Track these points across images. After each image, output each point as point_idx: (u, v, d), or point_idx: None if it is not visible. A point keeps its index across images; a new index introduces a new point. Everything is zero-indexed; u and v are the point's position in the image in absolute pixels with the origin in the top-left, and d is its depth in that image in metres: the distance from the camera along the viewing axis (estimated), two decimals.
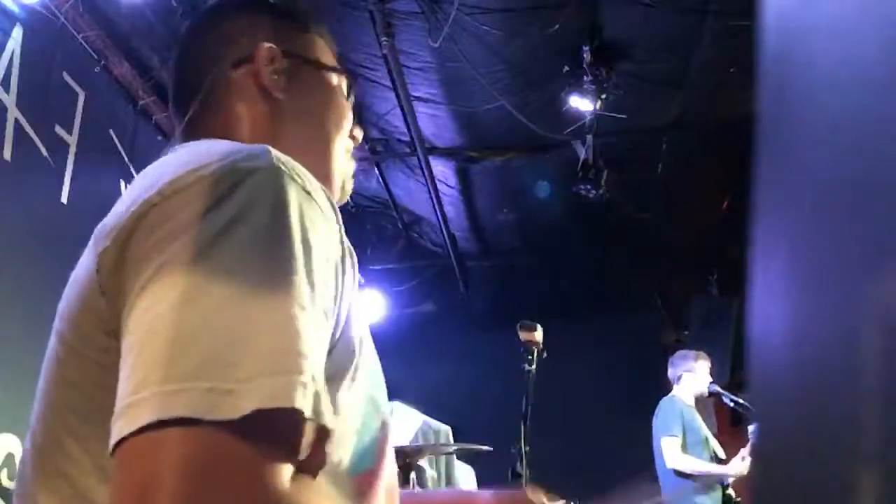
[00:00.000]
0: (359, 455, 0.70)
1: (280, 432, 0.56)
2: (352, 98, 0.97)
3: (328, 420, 0.59)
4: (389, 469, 0.77)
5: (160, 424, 0.52)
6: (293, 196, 0.63)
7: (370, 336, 0.75)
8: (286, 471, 0.56)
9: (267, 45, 0.89)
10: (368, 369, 0.72)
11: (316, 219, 0.64)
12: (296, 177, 0.65)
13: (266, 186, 0.63)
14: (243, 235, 0.59)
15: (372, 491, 0.72)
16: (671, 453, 4.08)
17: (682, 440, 4.11)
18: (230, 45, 0.90)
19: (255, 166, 0.64)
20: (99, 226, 0.70)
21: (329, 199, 0.69)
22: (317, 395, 0.57)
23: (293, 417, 0.56)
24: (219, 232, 0.59)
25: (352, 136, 0.96)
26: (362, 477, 0.71)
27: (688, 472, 4.07)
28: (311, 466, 0.60)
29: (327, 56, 0.96)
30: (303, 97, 0.89)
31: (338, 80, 0.95)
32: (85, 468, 0.67)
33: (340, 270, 0.67)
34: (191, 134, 0.87)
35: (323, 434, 0.60)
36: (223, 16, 0.94)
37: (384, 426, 0.75)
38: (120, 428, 0.54)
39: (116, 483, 0.54)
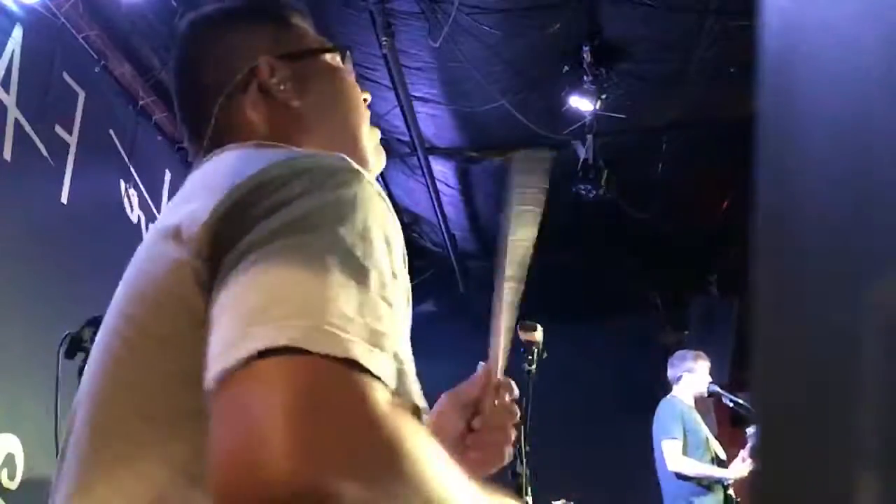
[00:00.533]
0: None
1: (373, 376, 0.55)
2: (349, 66, 0.98)
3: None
4: None
5: (265, 355, 0.52)
6: (375, 199, 0.67)
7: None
8: (388, 403, 0.55)
9: (264, 58, 0.89)
10: (410, 361, 0.74)
11: (390, 219, 0.68)
12: (371, 181, 0.69)
13: (350, 185, 0.66)
14: (335, 226, 0.61)
15: None
16: (672, 456, 4.08)
17: (682, 442, 4.11)
18: (229, 70, 0.89)
19: (333, 166, 0.68)
20: (165, 222, 0.70)
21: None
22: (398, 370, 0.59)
23: (388, 364, 0.57)
24: (310, 218, 0.61)
25: (365, 101, 0.98)
26: None
27: (689, 474, 4.07)
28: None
29: (314, 39, 0.97)
30: (315, 93, 0.91)
31: (332, 58, 0.96)
32: (154, 465, 0.65)
33: (404, 268, 0.70)
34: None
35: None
36: (211, 42, 0.93)
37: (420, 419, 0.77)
38: (224, 360, 0.54)
39: (225, 415, 0.52)
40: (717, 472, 4.09)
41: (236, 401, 0.52)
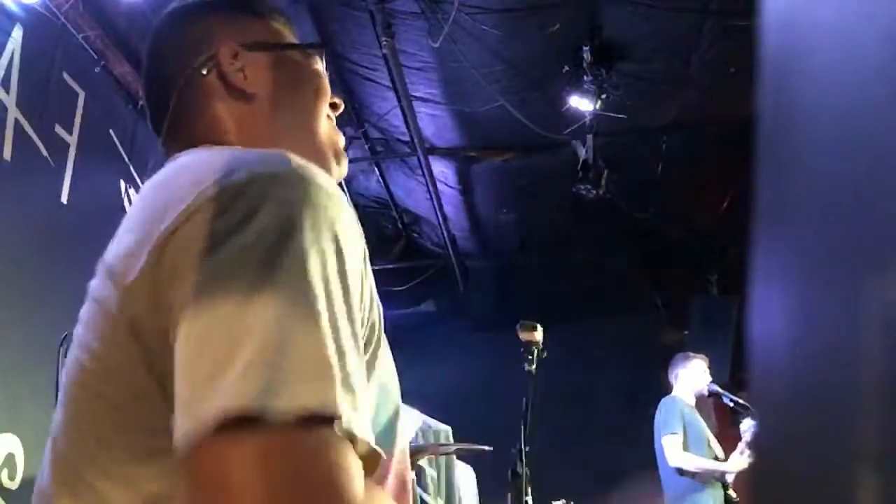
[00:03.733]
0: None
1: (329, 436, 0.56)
2: (320, 65, 0.95)
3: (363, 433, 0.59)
4: (402, 455, 0.79)
5: (225, 425, 0.53)
6: (322, 201, 0.64)
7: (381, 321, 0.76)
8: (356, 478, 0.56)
9: (226, 44, 0.88)
10: (383, 357, 0.74)
11: (343, 219, 0.65)
12: (317, 178, 0.66)
13: (293, 194, 0.63)
14: (281, 250, 0.60)
15: (384, 476, 0.74)
16: (673, 451, 4.08)
17: (683, 438, 4.11)
18: (192, 52, 0.88)
19: (274, 173, 0.65)
20: (110, 256, 0.70)
21: (340, 193, 0.69)
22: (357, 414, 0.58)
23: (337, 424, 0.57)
24: (257, 247, 0.60)
25: (333, 105, 0.95)
26: None
27: (690, 469, 4.07)
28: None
29: (286, 37, 0.94)
30: (274, 84, 0.88)
31: (303, 57, 0.93)
32: (111, 477, 0.66)
33: (365, 265, 0.68)
34: (174, 145, 0.87)
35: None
36: (179, 24, 0.93)
37: (397, 413, 0.77)
38: (188, 424, 0.55)
39: (197, 491, 0.55)
40: (716, 465, 4.09)
41: (208, 476, 0.54)
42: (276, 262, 0.59)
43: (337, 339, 0.58)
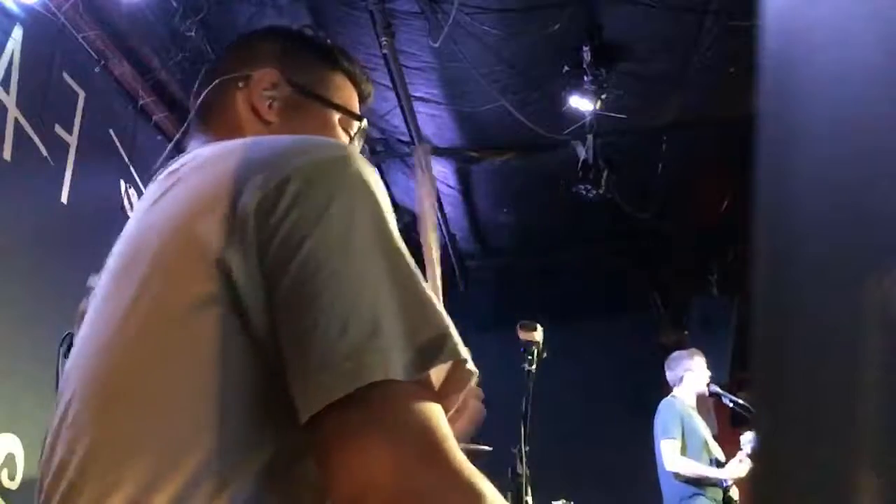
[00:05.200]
0: None
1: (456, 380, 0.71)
2: (357, 143, 1.00)
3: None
4: None
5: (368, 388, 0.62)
6: (369, 170, 0.73)
7: None
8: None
9: (269, 69, 0.93)
10: None
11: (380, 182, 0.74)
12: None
13: (359, 172, 0.71)
14: (368, 221, 0.69)
15: None
16: (670, 456, 4.08)
17: (681, 443, 4.11)
18: (244, 64, 0.94)
19: (346, 153, 0.73)
20: (169, 207, 0.73)
21: None
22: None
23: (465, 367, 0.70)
24: (348, 218, 0.68)
25: None
26: None
27: (686, 474, 4.07)
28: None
29: (343, 97, 0.99)
30: (296, 126, 0.92)
31: (341, 120, 0.97)
32: (149, 457, 0.65)
33: None
34: (208, 135, 0.92)
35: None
36: (254, 37, 1.00)
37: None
38: (327, 393, 0.62)
39: (343, 457, 0.62)
40: (714, 472, 4.09)
41: (348, 440, 0.62)
42: (381, 232, 0.69)
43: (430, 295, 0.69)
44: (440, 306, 0.69)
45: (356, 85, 1.01)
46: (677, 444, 4.09)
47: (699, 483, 4.07)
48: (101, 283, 0.78)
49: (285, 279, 0.65)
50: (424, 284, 0.69)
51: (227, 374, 0.66)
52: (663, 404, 4.29)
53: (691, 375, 4.31)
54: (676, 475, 4.08)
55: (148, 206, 0.78)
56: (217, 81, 0.94)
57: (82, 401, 0.71)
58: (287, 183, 0.68)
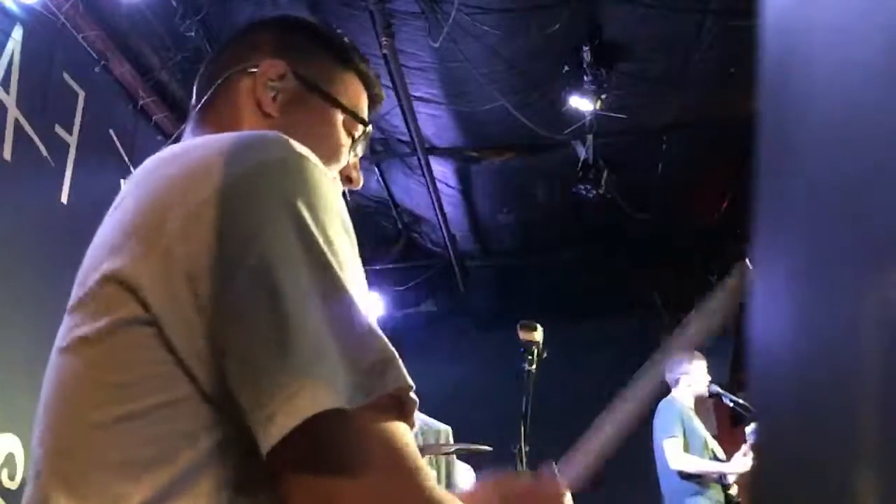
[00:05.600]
0: None
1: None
2: (359, 147, 0.96)
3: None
4: None
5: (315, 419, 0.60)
6: (324, 178, 0.70)
7: None
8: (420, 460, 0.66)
9: (278, 60, 0.90)
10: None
11: (336, 194, 0.71)
12: (312, 157, 0.71)
13: (302, 172, 0.69)
14: (312, 228, 0.66)
15: None
16: (673, 454, 4.08)
17: (683, 441, 4.11)
18: (252, 53, 0.91)
19: (282, 156, 0.70)
20: (111, 230, 0.71)
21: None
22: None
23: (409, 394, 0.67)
24: (288, 227, 0.65)
25: (348, 179, 0.96)
26: None
27: (691, 471, 4.07)
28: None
29: (351, 97, 0.95)
30: (297, 121, 0.89)
31: (345, 121, 0.93)
32: (111, 465, 0.66)
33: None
34: (200, 127, 0.90)
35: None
36: (262, 26, 0.96)
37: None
38: (279, 426, 0.60)
39: (296, 488, 0.62)
40: (719, 466, 4.09)
41: (303, 467, 0.62)
42: (310, 248, 0.65)
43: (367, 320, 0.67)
44: (378, 330, 0.67)
45: (368, 87, 0.97)
46: (679, 441, 4.08)
47: (701, 481, 4.07)
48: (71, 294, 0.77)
49: (215, 303, 0.64)
50: (359, 304, 0.66)
51: (154, 399, 0.66)
52: (662, 404, 4.29)
53: (687, 379, 4.31)
54: (681, 473, 4.07)
55: (110, 212, 0.77)
56: (223, 69, 0.91)
57: (48, 407, 0.73)
58: (208, 206, 0.66)
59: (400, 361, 0.65)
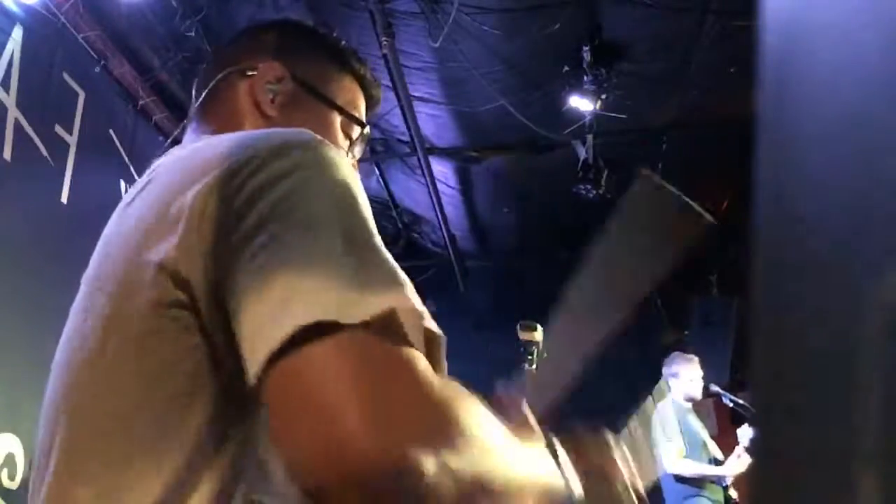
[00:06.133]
0: None
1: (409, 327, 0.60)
2: (357, 148, 0.97)
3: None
4: None
5: (305, 334, 0.54)
6: (344, 162, 0.69)
7: None
8: (428, 367, 0.60)
9: (275, 62, 0.91)
10: None
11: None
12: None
13: (320, 155, 0.68)
14: (327, 198, 0.64)
15: None
16: (670, 458, 4.10)
17: (681, 444, 4.12)
18: (251, 54, 0.93)
19: (307, 139, 0.69)
20: (146, 214, 0.70)
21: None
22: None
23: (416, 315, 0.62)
24: (306, 200, 0.63)
25: None
26: None
27: (687, 475, 4.08)
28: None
29: (348, 99, 0.96)
30: (295, 123, 0.88)
31: (343, 123, 0.95)
32: (132, 455, 0.65)
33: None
34: (200, 128, 0.90)
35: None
36: (261, 29, 0.97)
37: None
38: (264, 345, 0.55)
39: (289, 401, 0.55)
40: (714, 470, 4.11)
41: (296, 385, 0.55)
42: (347, 207, 0.64)
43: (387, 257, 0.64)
44: (402, 275, 0.63)
45: (365, 89, 0.98)
46: (676, 446, 4.10)
47: (700, 483, 4.08)
48: (80, 292, 0.76)
49: (235, 236, 0.62)
50: (387, 256, 0.64)
51: (183, 386, 0.65)
52: (660, 407, 4.30)
53: (675, 381, 4.33)
54: (677, 477, 4.09)
55: (123, 207, 0.76)
56: (221, 70, 0.92)
57: (56, 405, 0.72)
58: (251, 159, 0.65)
59: (409, 289, 0.62)
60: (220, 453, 0.64)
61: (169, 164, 0.75)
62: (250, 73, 0.91)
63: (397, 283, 0.62)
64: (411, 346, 0.60)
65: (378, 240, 0.65)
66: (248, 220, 0.62)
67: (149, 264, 0.66)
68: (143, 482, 0.64)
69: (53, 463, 0.69)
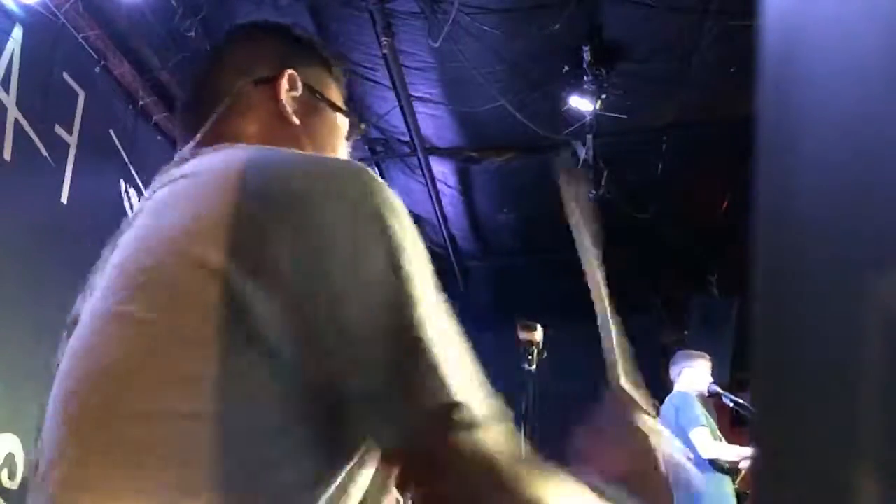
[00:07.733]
0: None
1: None
2: (350, 143, 1.01)
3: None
4: None
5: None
6: (389, 191, 0.73)
7: None
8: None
9: (291, 71, 0.93)
10: None
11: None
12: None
13: (380, 189, 0.71)
14: (405, 247, 0.70)
15: None
16: (704, 443, 3.99)
17: (709, 429, 4.05)
18: (259, 61, 0.93)
19: (359, 169, 0.73)
20: (185, 214, 0.69)
21: None
22: None
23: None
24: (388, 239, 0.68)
25: None
26: None
27: (726, 458, 4.00)
28: None
29: (338, 98, 0.99)
30: (313, 128, 0.93)
31: (342, 122, 0.98)
32: (161, 466, 0.61)
33: None
34: (210, 138, 0.87)
35: None
36: (258, 33, 0.99)
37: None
38: (419, 419, 0.65)
39: (458, 476, 0.65)
40: (748, 451, 4.02)
41: (465, 468, 0.65)
42: (411, 277, 0.69)
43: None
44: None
45: (341, 86, 1.01)
46: (707, 430, 4.02)
47: (724, 468, 4.02)
48: (95, 295, 0.73)
49: (313, 305, 0.64)
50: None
51: (245, 395, 0.63)
52: (678, 397, 4.20)
53: (689, 371, 4.28)
54: (712, 462, 4.00)
55: (149, 217, 0.74)
56: (229, 78, 0.92)
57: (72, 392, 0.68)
58: (301, 203, 0.67)
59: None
60: (269, 467, 0.64)
61: (207, 169, 0.74)
62: (266, 81, 0.91)
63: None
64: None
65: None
66: (331, 272, 0.66)
67: (205, 274, 0.64)
68: (190, 487, 0.61)
69: (59, 472, 0.65)
